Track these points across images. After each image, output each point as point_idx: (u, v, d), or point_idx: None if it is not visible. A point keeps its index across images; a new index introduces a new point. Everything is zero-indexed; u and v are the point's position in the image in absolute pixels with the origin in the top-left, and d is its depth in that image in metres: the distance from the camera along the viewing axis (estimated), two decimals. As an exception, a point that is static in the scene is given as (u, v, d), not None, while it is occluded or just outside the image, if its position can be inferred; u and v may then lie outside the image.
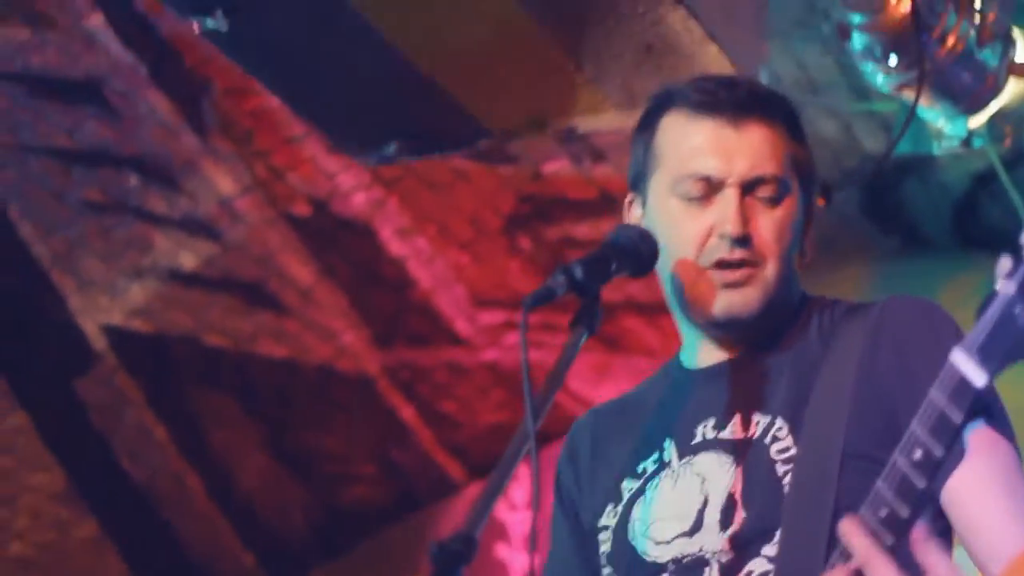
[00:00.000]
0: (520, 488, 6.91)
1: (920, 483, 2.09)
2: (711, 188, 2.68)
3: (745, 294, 2.67)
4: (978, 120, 4.61)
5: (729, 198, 2.66)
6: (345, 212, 6.34)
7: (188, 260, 6.56)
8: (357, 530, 7.56)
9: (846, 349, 2.65)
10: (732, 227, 2.65)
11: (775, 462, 2.60)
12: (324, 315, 6.73)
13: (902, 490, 2.10)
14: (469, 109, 4.16)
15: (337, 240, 6.47)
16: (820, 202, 4.11)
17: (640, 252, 2.64)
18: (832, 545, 2.31)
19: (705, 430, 2.70)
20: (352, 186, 6.27)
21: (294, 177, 6.24)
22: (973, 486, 2.50)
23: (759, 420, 2.66)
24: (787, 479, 2.58)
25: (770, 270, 2.68)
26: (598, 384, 6.49)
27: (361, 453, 7.28)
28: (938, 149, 4.66)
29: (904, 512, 2.11)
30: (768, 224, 2.68)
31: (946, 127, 4.61)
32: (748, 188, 2.68)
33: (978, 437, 2.40)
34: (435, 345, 6.80)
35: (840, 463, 2.53)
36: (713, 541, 2.61)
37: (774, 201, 2.69)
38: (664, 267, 2.71)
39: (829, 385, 2.62)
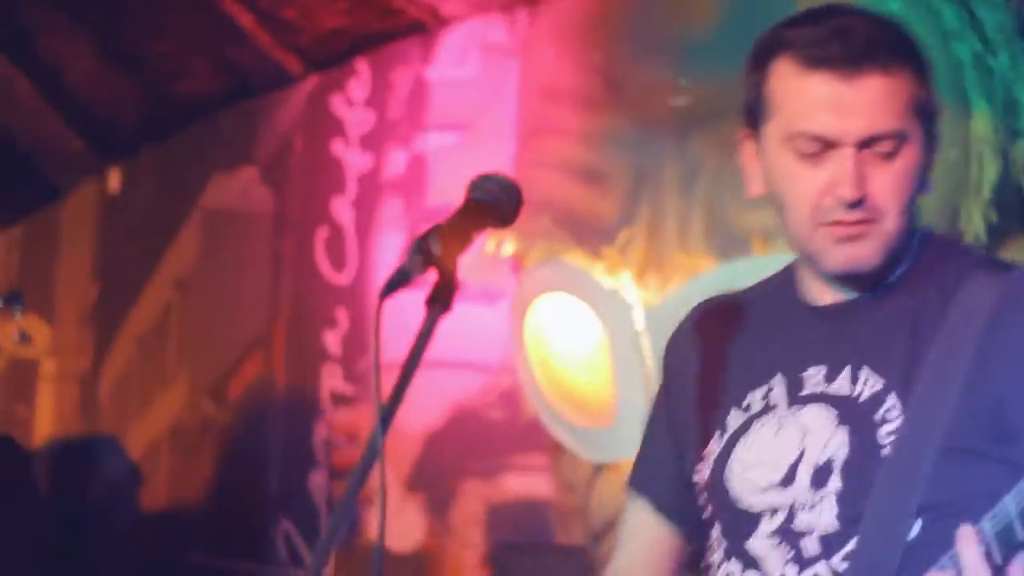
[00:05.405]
0: (358, 84, 6.98)
1: None
2: (825, 146, 2.57)
3: (864, 247, 2.60)
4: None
5: (844, 158, 2.57)
6: None
7: None
8: (188, 115, 7.56)
9: (967, 317, 2.55)
10: (847, 191, 2.56)
11: (882, 446, 2.55)
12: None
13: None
14: None
15: None
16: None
17: (502, 206, 2.44)
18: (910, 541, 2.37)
19: (817, 378, 2.66)
20: None
21: None
22: None
23: (868, 379, 2.61)
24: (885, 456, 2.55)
25: (889, 223, 2.60)
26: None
27: (195, 53, 7.18)
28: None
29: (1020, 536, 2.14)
30: (885, 180, 2.58)
31: None
32: (864, 145, 2.56)
33: None
34: (276, -40, 6.63)
35: (938, 454, 2.49)
36: (804, 496, 2.58)
37: (892, 155, 2.57)
38: (783, 214, 2.68)
39: (943, 359, 2.53)
